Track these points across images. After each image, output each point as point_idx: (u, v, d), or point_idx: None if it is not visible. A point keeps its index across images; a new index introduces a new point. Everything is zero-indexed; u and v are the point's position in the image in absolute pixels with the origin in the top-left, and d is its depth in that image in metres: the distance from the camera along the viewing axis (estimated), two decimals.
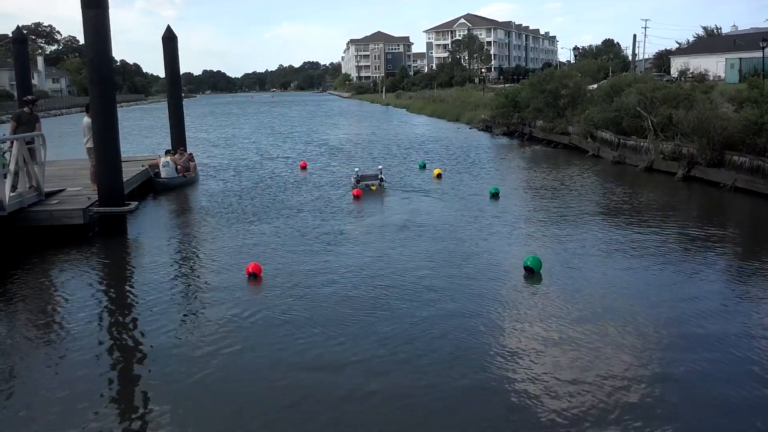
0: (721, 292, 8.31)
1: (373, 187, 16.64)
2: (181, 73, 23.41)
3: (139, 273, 9.92)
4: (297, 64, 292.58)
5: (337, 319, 7.47)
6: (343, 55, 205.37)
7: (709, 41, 73.81)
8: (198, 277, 9.62)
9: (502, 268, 9.52)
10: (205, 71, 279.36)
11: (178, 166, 18.38)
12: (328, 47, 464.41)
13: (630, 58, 75.13)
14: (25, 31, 23.85)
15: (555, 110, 28.04)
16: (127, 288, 9.21)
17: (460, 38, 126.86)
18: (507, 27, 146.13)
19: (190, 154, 20.43)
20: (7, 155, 11.46)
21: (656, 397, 5.55)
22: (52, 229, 11.51)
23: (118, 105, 13.17)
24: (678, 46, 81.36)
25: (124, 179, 13.16)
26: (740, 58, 53.38)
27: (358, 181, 16.77)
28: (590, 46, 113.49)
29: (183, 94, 27.73)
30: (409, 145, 29.30)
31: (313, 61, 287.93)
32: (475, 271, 9.29)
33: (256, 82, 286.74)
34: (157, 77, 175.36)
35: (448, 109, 49.49)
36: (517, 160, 23.64)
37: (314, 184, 18.01)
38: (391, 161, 22.92)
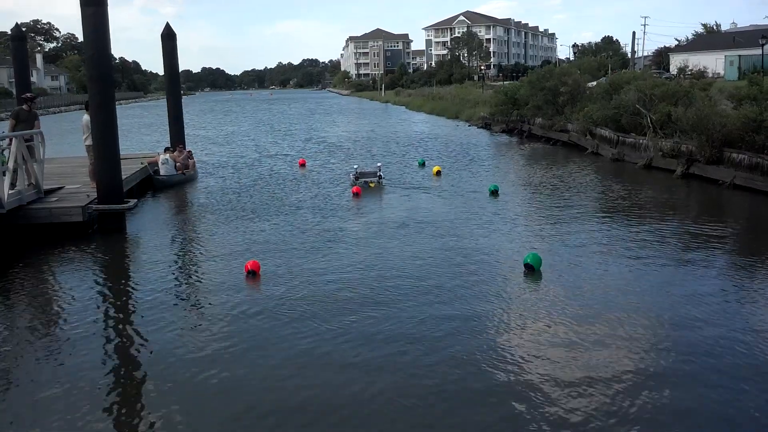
0: (721, 288, 8.31)
1: (372, 185, 16.64)
2: (180, 70, 23.42)
3: (138, 270, 9.92)
4: (296, 62, 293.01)
5: (339, 318, 7.45)
6: (343, 52, 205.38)
7: (709, 38, 73.89)
8: (197, 274, 9.63)
9: (501, 266, 9.52)
10: (204, 69, 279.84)
11: (177, 164, 18.39)
12: (327, 44, 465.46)
13: (629, 55, 75.14)
14: (23, 29, 23.78)
15: (554, 107, 28.01)
16: (127, 285, 9.20)
17: (459, 35, 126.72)
18: (506, 24, 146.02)
19: (189, 151, 20.40)
20: (6, 153, 11.46)
21: (656, 397, 5.55)
22: (51, 226, 11.50)
23: (117, 102, 13.18)
24: (677, 43, 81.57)
25: (123, 177, 13.16)
26: (739, 55, 53.41)
27: (357, 178, 16.78)
28: (589, 43, 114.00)
29: (182, 92, 27.69)
30: (409, 142, 29.28)
31: (312, 59, 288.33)
32: (475, 269, 9.28)
33: (255, 79, 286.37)
34: (156, 75, 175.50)
35: (447, 107, 49.45)
36: (516, 158, 23.65)
37: (313, 182, 18.00)
38: (390, 158, 22.91)
